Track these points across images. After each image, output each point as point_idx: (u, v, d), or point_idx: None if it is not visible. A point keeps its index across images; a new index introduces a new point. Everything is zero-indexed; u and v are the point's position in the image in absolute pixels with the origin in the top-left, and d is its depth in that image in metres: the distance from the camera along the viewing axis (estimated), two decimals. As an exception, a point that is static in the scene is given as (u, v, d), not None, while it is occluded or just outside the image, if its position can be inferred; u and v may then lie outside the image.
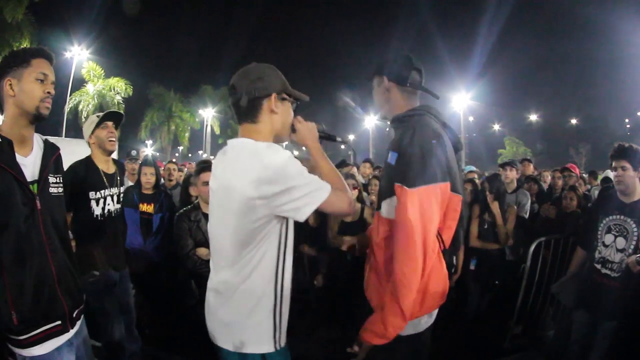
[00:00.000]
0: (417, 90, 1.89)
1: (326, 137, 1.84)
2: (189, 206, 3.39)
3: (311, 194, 1.46)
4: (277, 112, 1.59)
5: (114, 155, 3.04)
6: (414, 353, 1.86)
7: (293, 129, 1.71)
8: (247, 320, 1.55)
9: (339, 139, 1.91)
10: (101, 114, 2.93)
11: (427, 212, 1.63)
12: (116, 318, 2.86)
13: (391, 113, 1.90)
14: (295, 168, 1.46)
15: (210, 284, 1.67)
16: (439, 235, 1.77)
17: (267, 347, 1.56)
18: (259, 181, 1.41)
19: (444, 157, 1.69)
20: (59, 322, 1.77)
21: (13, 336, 1.68)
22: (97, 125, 2.83)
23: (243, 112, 1.58)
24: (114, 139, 2.88)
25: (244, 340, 1.55)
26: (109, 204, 2.85)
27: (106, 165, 2.90)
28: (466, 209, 1.87)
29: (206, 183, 3.12)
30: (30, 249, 1.68)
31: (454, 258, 1.92)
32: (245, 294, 1.53)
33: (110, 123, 2.87)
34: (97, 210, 2.79)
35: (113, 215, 2.88)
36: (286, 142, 1.81)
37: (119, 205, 2.96)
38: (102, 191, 2.82)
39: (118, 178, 2.96)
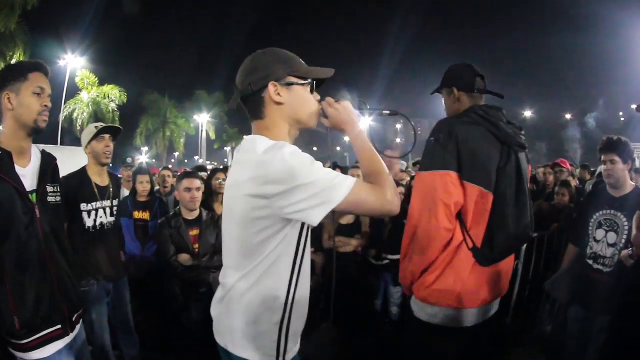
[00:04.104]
0: (483, 94, 2.08)
1: (370, 113, 1.62)
2: (171, 213, 3.43)
3: (323, 193, 1.23)
4: (283, 101, 1.38)
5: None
6: (422, 339, 1.99)
7: (325, 114, 1.48)
8: (249, 329, 1.41)
9: (385, 111, 1.67)
10: (100, 125, 2.96)
11: (424, 195, 1.88)
12: (104, 328, 2.89)
13: None
14: (302, 165, 1.25)
15: (221, 287, 1.52)
16: (467, 231, 1.87)
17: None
18: (258, 180, 1.25)
19: (451, 147, 1.85)
20: (59, 326, 1.81)
21: (15, 340, 1.72)
22: (94, 137, 2.87)
23: (249, 110, 1.43)
24: (109, 153, 2.93)
25: (246, 348, 1.42)
26: (101, 217, 2.87)
27: (100, 178, 2.94)
28: (513, 208, 1.90)
29: (188, 189, 3.19)
30: (30, 256, 1.73)
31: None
32: (252, 302, 1.38)
33: (107, 136, 2.91)
34: (89, 222, 2.81)
35: (106, 228, 2.90)
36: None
37: (112, 218, 2.96)
38: (94, 203, 2.84)
39: (111, 190, 2.98)
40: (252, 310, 1.39)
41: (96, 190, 2.87)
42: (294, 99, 1.40)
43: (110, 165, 3.13)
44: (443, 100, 2.19)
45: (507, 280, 2.10)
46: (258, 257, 1.35)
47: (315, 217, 1.25)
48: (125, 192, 4.80)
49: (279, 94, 1.37)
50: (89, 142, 2.89)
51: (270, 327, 1.41)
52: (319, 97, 1.48)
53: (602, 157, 2.74)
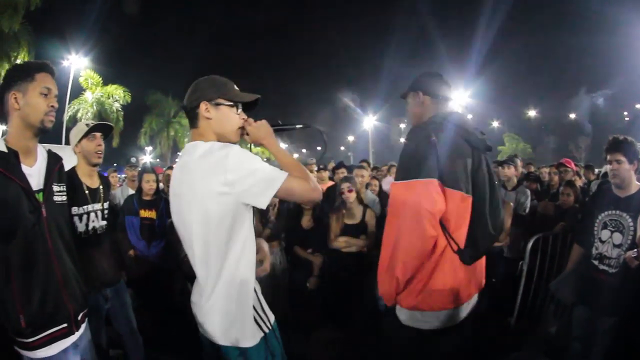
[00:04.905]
0: (447, 101, 2.13)
1: (283, 129, 1.88)
2: None
3: (268, 179, 1.55)
4: (211, 117, 1.69)
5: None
6: (412, 347, 1.96)
7: (247, 132, 1.78)
8: (241, 313, 1.63)
9: (298, 125, 1.92)
10: (90, 122, 2.81)
11: (404, 204, 1.86)
12: (101, 334, 2.83)
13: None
14: (250, 158, 1.56)
15: (199, 282, 1.70)
16: (449, 234, 1.88)
17: (265, 328, 1.69)
18: (219, 171, 1.52)
19: (430, 156, 1.85)
20: (64, 325, 1.83)
21: (21, 339, 1.73)
22: (85, 135, 2.70)
23: (189, 120, 1.75)
24: (101, 152, 2.76)
25: (242, 334, 1.63)
26: (93, 221, 2.70)
27: (90, 180, 2.76)
28: (489, 207, 1.99)
29: None
30: (36, 255, 1.74)
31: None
32: (236, 287, 1.62)
33: (98, 134, 2.75)
34: (81, 227, 2.63)
35: (98, 232, 2.73)
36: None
37: (104, 222, 2.78)
38: (85, 207, 2.66)
39: (102, 193, 2.80)
40: (238, 290, 1.62)
41: (87, 192, 2.70)
42: (220, 116, 1.71)
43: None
44: (407, 106, 2.21)
45: (484, 271, 2.16)
46: (230, 241, 1.60)
47: (263, 200, 1.56)
48: (130, 191, 4.83)
49: (208, 110, 1.69)
50: (79, 141, 2.70)
51: (256, 299, 1.69)
52: (244, 117, 1.78)
53: (608, 157, 2.72)
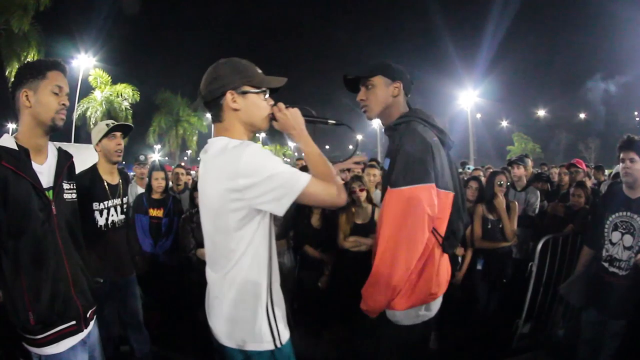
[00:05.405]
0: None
1: (314, 121, 1.72)
2: (194, 210, 3.56)
3: (286, 184, 1.40)
4: (239, 107, 1.53)
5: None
6: (405, 344, 1.97)
7: (276, 118, 1.61)
8: (247, 316, 1.52)
9: (330, 120, 1.78)
10: (110, 122, 2.94)
11: (407, 210, 1.78)
12: (114, 324, 2.96)
13: (388, 117, 2.03)
14: (267, 160, 1.41)
15: (209, 282, 1.64)
16: (435, 230, 1.89)
17: (278, 342, 1.53)
18: (230, 175, 1.39)
19: (430, 160, 1.80)
20: (73, 322, 1.83)
21: (29, 336, 1.74)
22: (106, 134, 2.86)
23: (211, 114, 1.59)
24: (120, 151, 2.94)
25: (246, 338, 1.52)
26: (112, 215, 2.89)
27: (110, 176, 2.95)
28: (460, 198, 2.04)
29: None
30: (46, 252, 1.75)
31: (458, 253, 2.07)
32: (242, 290, 1.51)
33: (118, 134, 2.92)
34: (101, 221, 2.83)
35: (117, 225, 2.93)
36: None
37: (122, 216, 2.98)
38: (106, 202, 2.86)
39: (121, 189, 3.00)
40: (245, 296, 1.52)
41: (107, 188, 2.89)
42: (248, 106, 1.55)
43: (123, 162, 3.17)
44: (369, 90, 2.01)
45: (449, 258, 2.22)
46: (242, 246, 1.48)
47: (282, 208, 1.42)
48: (139, 189, 4.84)
49: (235, 101, 1.53)
50: (100, 140, 2.88)
51: (263, 309, 1.53)
52: (272, 102, 1.62)
53: (621, 155, 2.69)
